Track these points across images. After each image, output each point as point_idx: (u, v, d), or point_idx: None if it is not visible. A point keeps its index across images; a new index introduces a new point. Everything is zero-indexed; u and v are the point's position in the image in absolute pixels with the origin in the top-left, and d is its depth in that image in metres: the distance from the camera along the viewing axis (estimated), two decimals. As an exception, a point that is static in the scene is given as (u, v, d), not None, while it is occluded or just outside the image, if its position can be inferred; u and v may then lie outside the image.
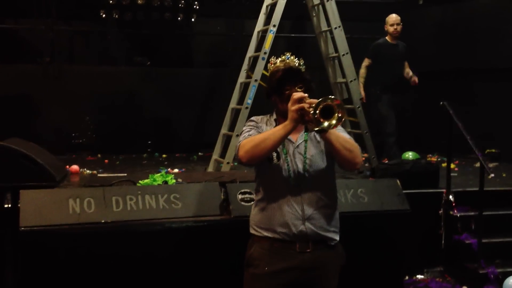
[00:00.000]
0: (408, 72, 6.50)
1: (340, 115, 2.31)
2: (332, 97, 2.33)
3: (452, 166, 6.17)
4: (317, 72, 7.38)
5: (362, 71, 6.51)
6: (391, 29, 6.37)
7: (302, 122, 2.43)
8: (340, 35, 6.22)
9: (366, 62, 6.53)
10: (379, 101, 6.44)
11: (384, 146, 6.55)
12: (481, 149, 4.72)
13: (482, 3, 8.01)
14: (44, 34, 8.17)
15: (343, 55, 6.23)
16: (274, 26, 5.93)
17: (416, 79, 6.42)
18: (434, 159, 7.38)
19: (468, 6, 8.19)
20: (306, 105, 2.36)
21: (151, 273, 3.64)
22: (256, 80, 5.83)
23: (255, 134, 2.58)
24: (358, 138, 6.18)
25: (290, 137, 2.58)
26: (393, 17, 6.42)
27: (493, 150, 7.55)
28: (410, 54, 6.58)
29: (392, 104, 6.38)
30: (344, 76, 6.35)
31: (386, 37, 6.49)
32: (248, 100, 5.84)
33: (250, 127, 2.67)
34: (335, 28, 6.20)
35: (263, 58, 5.81)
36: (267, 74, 2.76)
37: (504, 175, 6.21)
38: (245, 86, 6.13)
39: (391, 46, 6.45)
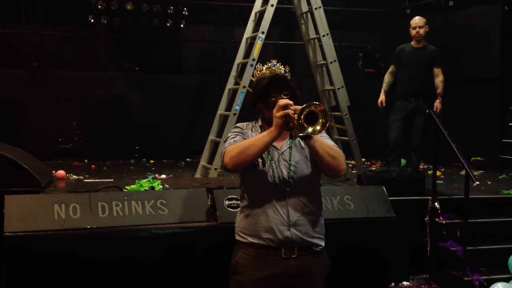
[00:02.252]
0: (439, 84, 5.99)
1: (324, 121, 2.34)
2: (316, 103, 2.36)
3: (438, 173, 6.22)
4: (305, 79, 7.45)
5: (385, 77, 6.26)
6: (413, 32, 6.02)
7: (287, 128, 2.45)
8: (328, 43, 6.26)
9: (390, 68, 6.28)
10: (392, 107, 6.21)
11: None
12: (466, 157, 4.75)
13: (468, 14, 8.11)
14: (31, 39, 8.14)
15: (331, 62, 6.27)
16: (262, 33, 5.96)
17: (438, 106, 5.95)
18: (420, 166, 7.43)
19: (454, 17, 8.29)
20: (291, 112, 2.39)
21: (137, 279, 3.62)
22: (244, 87, 5.85)
23: (240, 140, 2.60)
24: (345, 145, 6.22)
25: (275, 143, 2.60)
26: (415, 20, 6.04)
27: (479, 159, 7.63)
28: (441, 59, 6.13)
29: (403, 111, 6.02)
30: (331, 83, 6.38)
31: (412, 42, 6.12)
32: (236, 107, 5.85)
33: (236, 133, 2.68)
34: (323, 35, 6.24)
35: (251, 65, 5.83)
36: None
37: (489, 183, 6.27)
38: (234, 93, 6.15)
39: (413, 50, 6.08)
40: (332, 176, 2.66)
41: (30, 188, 4.22)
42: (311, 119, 2.35)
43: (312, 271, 2.62)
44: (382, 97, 6.16)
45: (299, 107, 2.37)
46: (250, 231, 2.60)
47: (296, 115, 2.35)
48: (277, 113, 2.41)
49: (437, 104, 5.94)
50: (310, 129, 2.34)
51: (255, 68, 2.78)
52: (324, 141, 2.53)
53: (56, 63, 8.59)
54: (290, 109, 2.40)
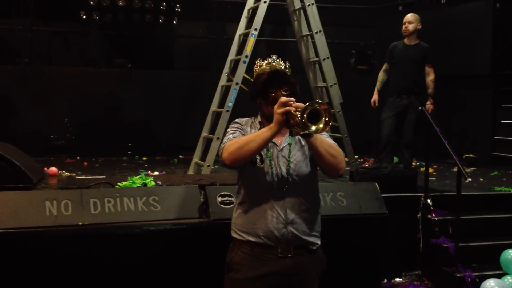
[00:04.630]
0: (430, 84, 5.95)
1: (327, 119, 2.32)
2: (319, 101, 2.35)
3: (430, 170, 6.22)
4: (298, 76, 7.43)
5: (379, 75, 6.25)
6: (403, 28, 6.01)
7: (287, 125, 2.42)
8: (321, 40, 6.26)
9: (383, 66, 6.26)
10: (385, 103, 6.21)
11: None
12: (458, 154, 4.77)
13: (460, 11, 8.14)
14: (22, 35, 8.08)
15: (324, 59, 6.27)
16: (255, 29, 5.94)
17: (430, 107, 5.86)
18: (412, 163, 7.45)
19: (446, 13, 8.31)
20: (292, 109, 2.35)
21: (129, 276, 3.61)
22: (237, 83, 5.83)
23: (239, 136, 2.56)
24: (338, 142, 6.22)
25: (274, 140, 2.57)
26: (407, 16, 6.02)
27: (471, 155, 7.67)
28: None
29: (395, 108, 6.01)
30: (324, 80, 6.39)
31: (404, 39, 6.09)
32: (229, 103, 5.83)
33: (235, 129, 2.65)
34: (316, 32, 6.24)
35: (244, 62, 5.81)
36: (249, 77, 2.76)
37: (481, 179, 6.30)
38: (226, 89, 6.13)
39: (405, 47, 6.06)
40: (331, 174, 2.63)
41: (21, 185, 4.20)
42: (314, 117, 2.31)
43: (307, 270, 2.60)
44: (375, 96, 6.17)
45: (300, 104, 2.34)
46: (247, 228, 2.58)
47: (297, 113, 2.32)
48: (278, 110, 2.38)
49: (429, 105, 5.91)
50: (313, 128, 2.31)
51: (254, 64, 2.74)
52: (324, 139, 2.51)
53: (47, 59, 8.53)
54: (291, 106, 2.37)
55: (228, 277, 2.65)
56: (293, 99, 2.40)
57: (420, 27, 6.03)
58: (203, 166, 5.87)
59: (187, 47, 9.18)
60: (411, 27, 5.99)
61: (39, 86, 8.04)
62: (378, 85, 6.23)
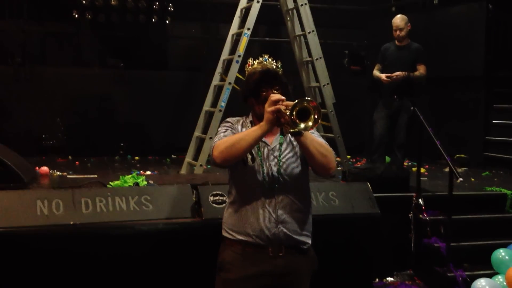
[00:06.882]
0: (416, 72, 5.97)
1: (316, 117, 2.32)
2: (308, 99, 2.35)
3: (422, 170, 6.26)
4: (291, 76, 7.44)
5: (374, 72, 6.22)
6: (394, 34, 6.05)
7: (278, 124, 2.43)
8: (314, 40, 6.28)
9: (376, 66, 6.26)
10: (377, 104, 6.27)
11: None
12: (450, 154, 4.79)
13: (453, 12, 8.17)
14: (15, 35, 8.04)
15: (317, 59, 6.28)
16: (248, 29, 5.95)
17: (399, 73, 5.88)
18: (404, 163, 7.47)
19: (439, 15, 8.35)
20: (282, 107, 2.36)
21: (121, 276, 3.60)
22: (230, 83, 5.83)
23: (230, 135, 2.57)
24: (330, 142, 6.23)
25: (265, 139, 2.58)
26: (396, 22, 6.03)
27: (462, 156, 7.70)
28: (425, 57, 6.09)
29: (387, 108, 6.07)
30: (317, 80, 6.40)
31: (395, 40, 6.14)
32: (222, 103, 5.84)
33: (226, 128, 2.66)
34: (309, 32, 6.26)
35: (237, 61, 5.82)
36: (241, 77, 2.77)
37: (472, 180, 6.32)
38: (219, 89, 6.14)
39: (397, 49, 6.11)
40: (322, 174, 2.63)
41: (13, 184, 4.18)
42: (303, 115, 2.32)
43: (298, 270, 2.61)
44: (382, 75, 6.05)
45: (290, 102, 2.34)
46: (238, 228, 2.59)
47: (287, 111, 2.33)
48: (268, 108, 2.39)
49: (399, 72, 5.89)
50: (302, 125, 2.32)
51: (246, 63, 2.75)
52: (315, 138, 2.52)
53: (40, 60, 8.49)
54: (281, 104, 2.38)
55: (220, 277, 2.65)
56: (283, 97, 2.41)
57: (409, 27, 6.06)
58: (195, 166, 5.87)
59: (180, 47, 9.15)
60: (403, 32, 6.01)
61: (31, 86, 7.99)
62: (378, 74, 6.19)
